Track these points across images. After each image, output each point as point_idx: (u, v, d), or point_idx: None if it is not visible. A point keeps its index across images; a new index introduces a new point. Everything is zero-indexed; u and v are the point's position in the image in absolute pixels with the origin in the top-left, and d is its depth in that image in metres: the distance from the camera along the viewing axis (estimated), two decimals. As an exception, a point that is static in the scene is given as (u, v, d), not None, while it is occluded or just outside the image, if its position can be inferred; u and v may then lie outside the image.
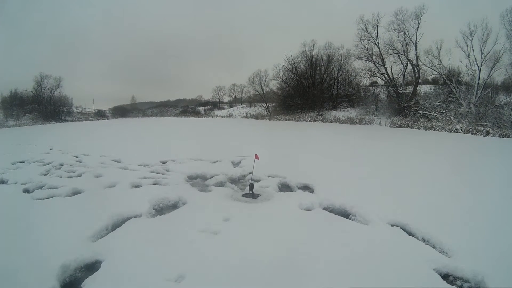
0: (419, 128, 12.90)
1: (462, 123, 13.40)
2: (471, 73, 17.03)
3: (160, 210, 2.25)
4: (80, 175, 3.38)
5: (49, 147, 6.02)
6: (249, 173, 3.25)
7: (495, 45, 15.66)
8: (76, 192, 2.65)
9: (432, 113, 15.82)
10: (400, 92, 18.63)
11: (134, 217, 2.05)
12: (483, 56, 16.18)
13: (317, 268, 1.44)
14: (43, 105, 28.70)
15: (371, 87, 22.91)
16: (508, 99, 15.89)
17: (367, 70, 20.36)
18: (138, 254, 1.58)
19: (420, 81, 19.43)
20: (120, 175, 3.26)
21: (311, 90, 22.25)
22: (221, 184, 3.01)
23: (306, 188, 2.93)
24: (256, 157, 2.74)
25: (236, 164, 4.04)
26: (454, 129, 11.56)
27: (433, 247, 1.73)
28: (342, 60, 22.71)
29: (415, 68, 18.40)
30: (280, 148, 5.74)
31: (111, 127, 13.34)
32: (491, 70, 15.97)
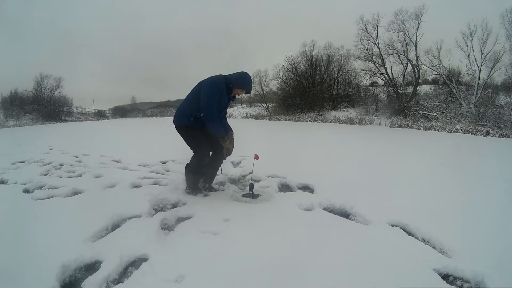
0: (419, 128, 12.91)
1: (462, 123, 13.42)
2: (471, 73, 17.07)
3: (160, 210, 2.25)
4: (80, 175, 3.38)
5: (49, 147, 6.02)
6: (249, 173, 3.25)
7: (495, 45, 15.69)
8: (76, 192, 2.65)
9: (432, 113, 15.82)
10: (400, 92, 18.64)
11: (134, 217, 2.05)
12: (483, 56, 16.20)
13: (317, 268, 1.44)
14: (43, 105, 28.73)
15: (371, 87, 22.95)
16: (508, 99, 15.93)
17: (367, 70, 20.38)
18: (138, 254, 1.58)
19: (420, 81, 19.47)
20: (120, 175, 3.26)
21: (311, 90, 22.27)
22: (221, 184, 3.00)
23: (306, 188, 2.93)
24: (256, 157, 2.74)
25: (236, 164, 4.04)
26: (454, 129, 11.58)
27: (433, 247, 1.73)
28: (342, 60, 22.76)
29: (415, 68, 18.42)
30: (280, 148, 5.74)
31: (111, 127, 13.34)
32: (491, 70, 16.00)
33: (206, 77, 2.48)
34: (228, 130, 2.59)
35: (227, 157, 2.63)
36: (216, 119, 2.34)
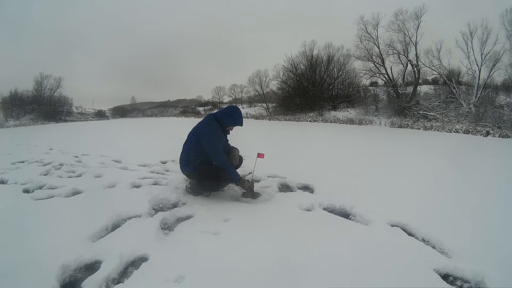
0: (419, 129, 12.91)
1: (462, 123, 13.42)
2: (471, 73, 17.08)
3: (160, 210, 2.25)
4: (80, 175, 3.38)
5: (49, 147, 6.02)
6: (249, 173, 3.25)
7: (495, 46, 15.70)
8: (76, 192, 2.65)
9: (432, 113, 15.83)
10: (400, 92, 18.66)
11: (134, 217, 2.05)
12: (483, 56, 16.20)
13: (317, 268, 1.44)
14: (43, 105, 28.76)
15: (371, 87, 22.98)
16: (508, 99, 15.93)
17: (367, 70, 20.41)
18: (138, 254, 1.58)
19: (420, 81, 19.47)
20: (120, 175, 3.26)
21: (311, 91, 22.29)
22: (221, 184, 3.00)
23: (306, 188, 2.93)
24: (261, 156, 2.72)
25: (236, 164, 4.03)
26: (454, 129, 11.58)
27: (433, 247, 1.73)
28: (342, 61, 22.79)
29: (415, 68, 18.43)
30: (280, 148, 5.74)
31: (111, 127, 13.34)
32: (491, 70, 16.00)
33: (199, 124, 2.56)
34: (232, 150, 2.74)
35: (250, 192, 2.56)
36: (227, 162, 2.43)
